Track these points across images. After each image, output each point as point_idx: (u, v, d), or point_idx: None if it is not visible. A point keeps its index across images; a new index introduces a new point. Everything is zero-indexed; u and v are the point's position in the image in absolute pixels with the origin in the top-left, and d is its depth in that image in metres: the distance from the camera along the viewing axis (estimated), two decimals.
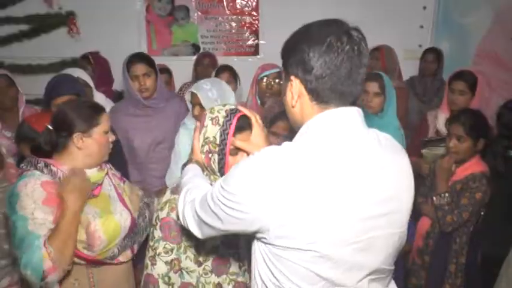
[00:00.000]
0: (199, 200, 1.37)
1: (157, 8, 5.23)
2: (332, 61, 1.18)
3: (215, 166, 1.67)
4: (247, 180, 1.20)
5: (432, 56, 4.41)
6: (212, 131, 1.65)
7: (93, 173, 1.92)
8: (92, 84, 3.27)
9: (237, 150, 1.65)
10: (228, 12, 5.31)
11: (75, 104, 1.96)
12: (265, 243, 1.24)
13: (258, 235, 1.25)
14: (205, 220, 1.33)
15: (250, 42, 5.39)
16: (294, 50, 1.25)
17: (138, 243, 2.06)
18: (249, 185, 1.19)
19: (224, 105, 1.73)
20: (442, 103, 3.42)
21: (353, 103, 1.26)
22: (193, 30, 5.32)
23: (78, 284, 1.90)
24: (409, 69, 4.64)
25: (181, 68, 4.57)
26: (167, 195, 1.78)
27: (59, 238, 1.70)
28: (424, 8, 5.26)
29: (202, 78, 4.08)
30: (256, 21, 5.33)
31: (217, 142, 1.64)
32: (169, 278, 1.74)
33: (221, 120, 1.65)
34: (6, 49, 5.04)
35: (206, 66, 4.27)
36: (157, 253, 1.73)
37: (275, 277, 1.25)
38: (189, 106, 2.69)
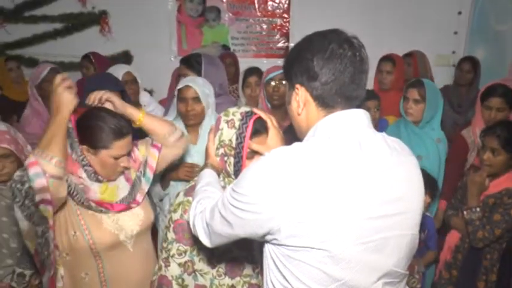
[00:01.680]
0: (209, 210, 1.40)
1: (188, 8, 5.26)
2: (336, 67, 1.23)
3: (230, 169, 1.68)
4: (259, 180, 1.22)
5: (468, 66, 4.22)
6: (228, 134, 1.65)
7: (97, 186, 1.92)
8: (139, 79, 3.29)
9: (253, 153, 1.65)
10: (259, 14, 5.31)
11: (102, 116, 1.87)
12: (276, 244, 1.24)
13: (268, 237, 1.25)
14: (215, 228, 1.36)
15: (280, 44, 5.38)
16: (298, 60, 1.30)
17: None
18: (261, 184, 1.21)
19: (239, 107, 1.72)
20: (475, 118, 3.22)
21: (358, 107, 1.30)
22: (224, 31, 5.34)
23: (89, 279, 1.91)
24: (441, 75, 4.55)
25: None
26: (180, 197, 1.77)
27: (43, 138, 1.70)
28: (459, 13, 5.14)
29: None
30: (287, 24, 5.31)
31: (233, 145, 1.64)
32: (183, 280, 1.74)
33: (237, 123, 1.64)
34: (41, 47, 5.16)
35: (228, 65, 4.26)
36: (171, 255, 1.73)
37: (287, 280, 1.24)
38: (175, 104, 2.65)
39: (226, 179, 1.72)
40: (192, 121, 2.59)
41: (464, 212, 2.57)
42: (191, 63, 3.11)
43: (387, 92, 3.73)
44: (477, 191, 2.57)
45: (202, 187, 1.56)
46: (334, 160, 1.19)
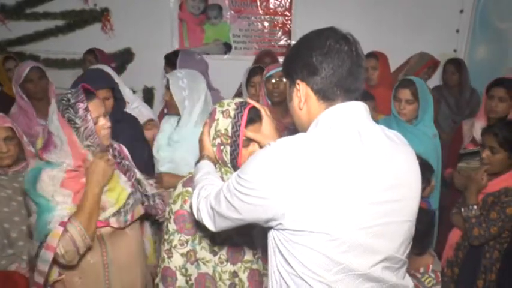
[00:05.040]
0: (214, 194, 1.44)
1: (190, 6, 5.24)
2: (334, 61, 1.31)
3: (227, 158, 1.73)
4: (264, 167, 1.27)
5: (453, 67, 4.36)
6: (224, 123, 1.70)
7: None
8: (117, 79, 3.30)
9: (248, 141, 1.71)
10: (261, 11, 5.29)
11: None
12: (280, 229, 1.29)
13: (272, 223, 1.30)
14: (220, 212, 1.40)
15: (282, 42, 5.36)
16: (298, 57, 1.38)
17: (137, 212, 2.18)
18: (266, 171, 1.27)
19: (233, 98, 1.78)
20: (479, 111, 3.33)
21: (356, 99, 1.37)
22: (226, 29, 5.33)
23: (93, 261, 2.02)
24: (440, 74, 4.59)
25: (213, 66, 4.58)
26: (179, 188, 1.81)
27: (84, 215, 1.87)
28: (461, 11, 5.10)
29: None
30: (289, 22, 5.30)
31: (229, 134, 1.69)
32: (186, 270, 1.78)
33: (232, 113, 1.70)
34: (43, 44, 5.17)
35: (267, 64, 4.24)
36: (173, 246, 1.77)
37: (290, 265, 1.29)
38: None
39: (223, 169, 1.77)
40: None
41: (462, 209, 2.58)
42: (169, 59, 3.40)
43: (375, 88, 3.80)
44: (475, 188, 2.58)
45: (202, 176, 1.61)
46: (335, 149, 1.26)
